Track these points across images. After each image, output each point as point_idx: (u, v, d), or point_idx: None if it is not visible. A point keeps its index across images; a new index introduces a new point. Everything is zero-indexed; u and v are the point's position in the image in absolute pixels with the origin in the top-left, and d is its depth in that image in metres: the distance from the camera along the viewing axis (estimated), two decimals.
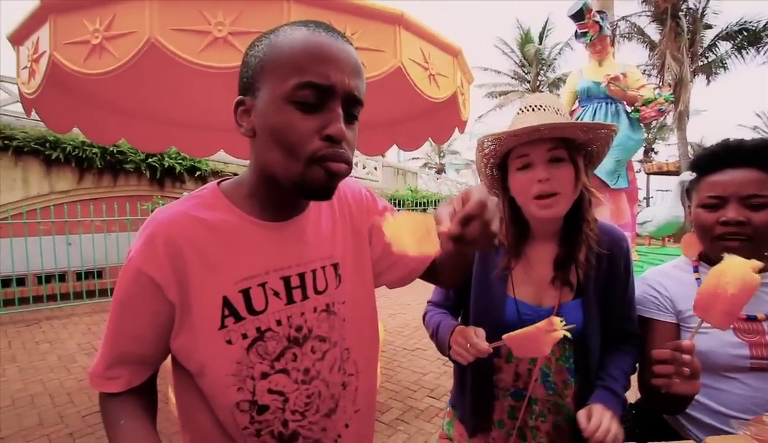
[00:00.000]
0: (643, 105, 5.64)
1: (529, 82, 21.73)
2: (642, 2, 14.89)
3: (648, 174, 16.20)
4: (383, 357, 3.10)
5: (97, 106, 2.66)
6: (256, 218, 0.64)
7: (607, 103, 5.80)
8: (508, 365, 0.93)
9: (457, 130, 2.57)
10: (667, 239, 8.26)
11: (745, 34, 14.64)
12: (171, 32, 1.49)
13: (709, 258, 0.97)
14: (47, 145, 5.66)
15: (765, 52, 14.63)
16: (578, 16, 6.03)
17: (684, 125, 14.23)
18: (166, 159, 6.73)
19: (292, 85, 0.54)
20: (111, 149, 6.13)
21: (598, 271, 0.90)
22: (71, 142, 5.79)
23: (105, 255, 5.80)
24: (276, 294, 0.64)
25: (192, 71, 1.53)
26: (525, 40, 21.49)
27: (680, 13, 13.95)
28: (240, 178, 0.67)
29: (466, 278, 0.92)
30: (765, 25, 14.24)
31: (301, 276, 0.66)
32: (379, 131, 3.17)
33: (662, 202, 9.52)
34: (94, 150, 5.99)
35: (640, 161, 20.93)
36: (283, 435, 0.64)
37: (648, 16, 15.13)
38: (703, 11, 14.59)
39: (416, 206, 9.33)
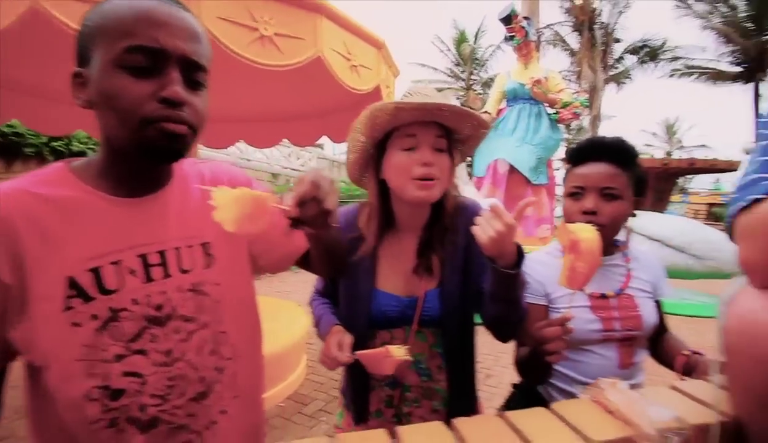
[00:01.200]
0: (561, 107, 6.12)
1: (464, 80, 22.62)
2: (564, 12, 16.15)
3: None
4: (310, 349, 3.08)
5: None
6: (109, 194, 0.61)
7: (531, 104, 6.19)
8: (398, 368, 0.93)
9: None
10: None
11: (647, 49, 16.55)
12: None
13: None
14: None
15: (661, 67, 16.66)
16: (506, 20, 6.37)
17: (597, 128, 15.74)
18: (75, 143, 6.03)
19: (120, 49, 0.54)
20: (3, 131, 5.36)
21: (458, 252, 0.92)
22: None
23: None
24: (132, 272, 0.61)
25: None
26: (461, 39, 22.30)
27: (595, 26, 15.34)
28: (91, 156, 0.64)
29: (342, 269, 0.92)
30: (661, 44, 16.23)
31: (162, 253, 0.64)
32: (308, 122, 3.11)
33: None
34: None
35: (562, 159, 22.86)
36: (141, 420, 0.60)
37: (569, 26, 16.46)
38: (613, 26, 16.20)
39: (351, 199, 9.31)
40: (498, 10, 6.55)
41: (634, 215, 1.01)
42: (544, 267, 1.04)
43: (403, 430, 0.60)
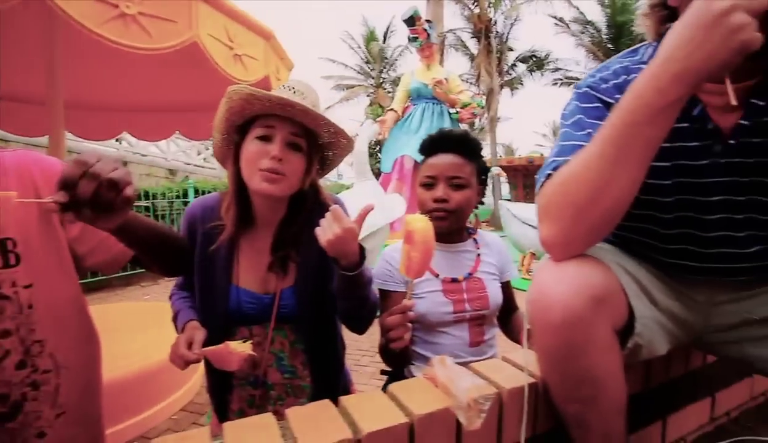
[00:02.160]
0: (461, 108, 6.55)
1: (373, 78, 22.99)
2: (465, 20, 17.30)
3: None
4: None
5: None
6: None
7: (433, 104, 6.52)
8: (245, 363, 0.91)
9: None
10: (484, 223, 9.93)
11: (534, 59, 18.52)
12: None
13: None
14: None
15: (546, 76, 18.81)
16: (409, 21, 6.60)
17: (494, 128, 17.18)
18: None
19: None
20: None
21: (315, 251, 0.89)
22: None
23: None
24: None
25: None
26: (370, 37, 22.60)
27: (491, 35, 16.69)
28: None
29: (179, 265, 0.89)
30: (546, 56, 18.30)
31: None
32: (200, 114, 2.90)
33: None
34: None
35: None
36: None
37: (469, 32, 17.69)
38: (507, 36, 17.81)
39: None
40: (403, 11, 6.78)
41: (482, 203, 1.13)
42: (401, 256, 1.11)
43: (229, 426, 0.59)
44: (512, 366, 0.79)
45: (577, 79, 17.87)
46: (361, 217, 0.80)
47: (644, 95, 0.58)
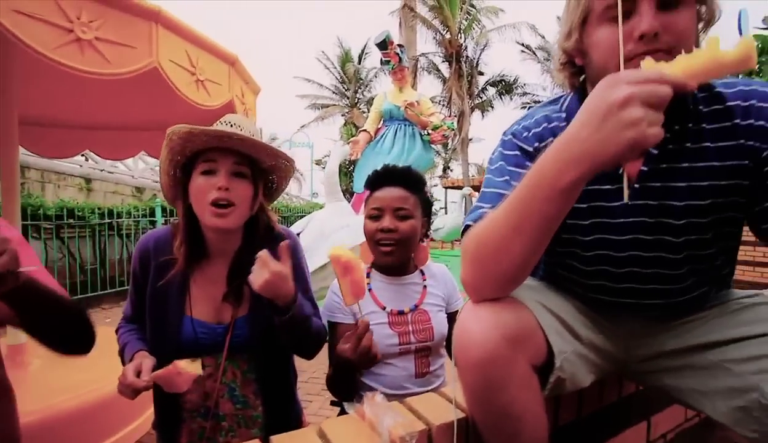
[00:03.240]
0: (432, 130, 6.70)
1: (348, 98, 23.30)
2: (436, 44, 17.89)
3: (445, 187, 19.42)
4: None
5: None
6: None
7: (405, 125, 6.66)
8: (195, 384, 0.90)
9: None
10: (455, 243, 10.06)
11: (503, 83, 19.28)
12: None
13: (377, 264, 1.19)
14: None
15: (514, 100, 19.56)
16: (382, 45, 6.78)
17: (466, 149, 17.64)
18: None
19: None
20: None
21: None
22: None
23: None
24: None
25: None
26: (345, 58, 22.99)
27: (462, 59, 17.31)
28: None
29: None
30: (514, 80, 19.09)
31: None
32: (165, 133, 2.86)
33: (450, 212, 11.60)
34: None
35: (440, 177, 24.99)
36: None
37: (441, 56, 18.28)
38: (477, 60, 18.51)
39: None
40: (376, 34, 6.96)
41: (427, 235, 1.17)
42: None
43: None
44: (445, 399, 0.80)
45: None
46: (286, 257, 0.83)
47: (546, 174, 0.58)
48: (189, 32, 1.66)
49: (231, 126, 0.90)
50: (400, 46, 7.02)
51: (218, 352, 0.91)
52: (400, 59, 6.72)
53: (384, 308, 1.10)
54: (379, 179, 1.15)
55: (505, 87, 19.22)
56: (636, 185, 0.73)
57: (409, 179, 1.14)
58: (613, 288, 0.80)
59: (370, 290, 1.13)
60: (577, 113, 0.56)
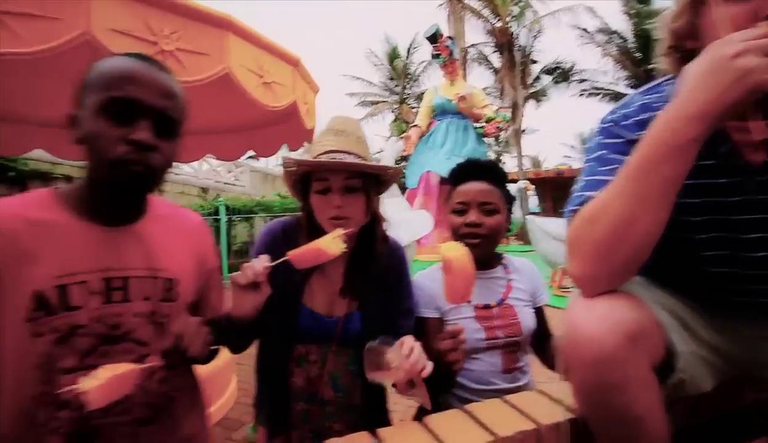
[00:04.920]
0: (486, 122, 6.52)
1: (397, 94, 23.31)
2: (486, 34, 17.37)
3: None
4: (241, 369, 2.94)
5: None
6: (86, 220, 0.70)
7: (458, 119, 6.54)
8: (300, 369, 0.97)
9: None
10: (511, 237, 9.75)
11: (559, 71, 18.30)
12: None
13: None
14: None
15: (572, 87, 18.49)
16: (432, 39, 6.70)
17: (519, 141, 17.02)
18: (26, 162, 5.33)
19: (103, 99, 0.66)
20: None
21: (380, 281, 0.99)
22: None
23: None
24: (95, 293, 0.68)
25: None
26: (393, 54, 23.01)
27: (514, 48, 16.68)
28: (76, 182, 0.74)
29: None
30: (571, 67, 18.06)
31: (125, 279, 0.72)
32: (231, 136, 3.01)
33: None
34: None
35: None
36: (83, 431, 0.67)
37: (491, 46, 17.73)
38: (530, 48, 17.74)
39: (285, 211, 9.12)
40: (425, 28, 6.89)
41: (509, 229, 1.12)
42: (432, 283, 1.13)
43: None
44: (549, 399, 0.76)
45: (605, 89, 17.52)
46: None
47: (661, 135, 0.58)
48: (256, 37, 1.73)
49: (335, 134, 0.95)
50: (450, 38, 6.88)
51: (325, 342, 0.97)
52: (451, 52, 6.60)
53: (470, 302, 1.08)
54: (463, 173, 1.13)
55: (562, 74, 18.23)
56: (763, 177, 0.65)
57: (494, 173, 1.12)
58: (741, 289, 0.72)
59: None
60: (686, 75, 0.57)
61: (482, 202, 1.07)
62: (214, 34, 1.54)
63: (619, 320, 0.59)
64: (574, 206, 0.70)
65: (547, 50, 22.36)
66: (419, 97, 22.82)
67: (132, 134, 0.66)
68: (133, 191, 0.72)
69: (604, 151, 0.73)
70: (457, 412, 0.74)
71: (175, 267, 0.79)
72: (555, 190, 11.74)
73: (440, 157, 6.55)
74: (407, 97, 22.84)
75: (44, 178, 6.15)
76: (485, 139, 7.27)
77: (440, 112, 6.77)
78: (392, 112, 22.66)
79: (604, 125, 0.76)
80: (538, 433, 0.66)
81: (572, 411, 0.70)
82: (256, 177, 12.17)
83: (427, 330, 1.07)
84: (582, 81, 18.24)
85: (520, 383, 1.08)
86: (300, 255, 0.82)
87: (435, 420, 0.71)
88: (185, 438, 0.82)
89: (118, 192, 0.70)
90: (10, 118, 2.69)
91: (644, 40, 15.79)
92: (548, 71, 18.59)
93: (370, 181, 0.96)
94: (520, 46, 17.18)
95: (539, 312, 1.17)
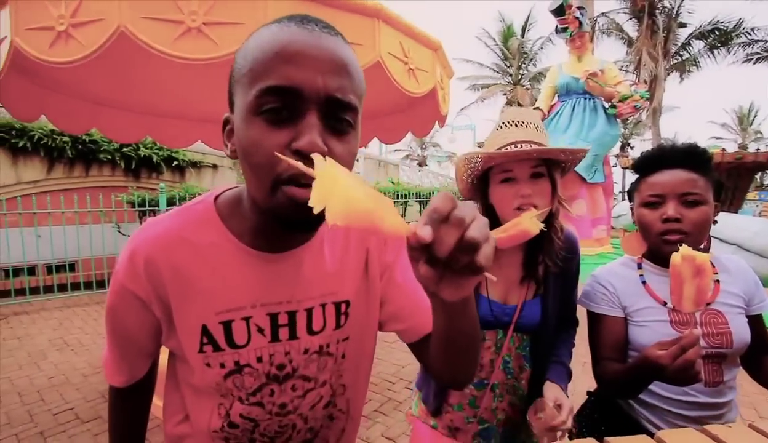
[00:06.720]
0: (619, 101, 5.75)
1: (511, 75, 21.93)
2: None
3: (624, 168, 16.64)
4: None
5: (66, 93, 2.54)
6: (248, 246, 0.58)
7: (585, 99, 5.90)
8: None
9: (437, 123, 2.57)
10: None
11: (717, 33, 15.13)
12: (142, 20, 1.44)
13: (653, 255, 1.01)
14: (13, 133, 5.41)
15: (734, 52, 15.15)
16: (559, 11, 6.10)
17: (657, 121, 14.66)
18: (142, 149, 6.52)
19: (255, 94, 0.47)
20: (83, 138, 5.90)
21: (557, 271, 0.99)
22: (40, 130, 5.54)
23: (78, 248, 5.61)
24: (260, 330, 0.60)
25: (166, 61, 1.49)
26: (508, 33, 21.64)
27: (656, 11, 14.27)
28: (238, 195, 0.61)
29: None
30: (735, 25, 14.74)
31: (291, 314, 0.62)
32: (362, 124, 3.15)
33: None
34: (65, 139, 5.75)
35: (616, 156, 21.45)
36: None
37: (626, 13, 15.44)
38: (678, 10, 14.98)
39: (398, 198, 9.33)
40: (547, 2, 6.29)
41: (715, 222, 0.93)
42: (618, 280, 1.03)
43: None
44: (761, 435, 0.62)
45: None
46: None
47: None
48: (402, 23, 1.75)
49: (515, 125, 0.94)
50: (580, 8, 6.16)
51: (499, 328, 1.01)
52: (581, 24, 5.93)
53: (665, 304, 0.94)
54: (653, 161, 0.98)
55: (721, 37, 15.04)
56: None
57: (695, 157, 0.94)
58: None
59: (644, 283, 0.99)
60: None
61: (683, 193, 0.91)
62: (366, 23, 1.60)
63: None
64: None
65: (700, 10, 18.45)
66: (535, 78, 21.17)
67: (297, 140, 0.46)
68: (299, 226, 0.50)
69: None
70: (690, 431, 0.65)
71: (347, 286, 0.65)
72: (732, 179, 8.14)
73: (564, 142, 5.99)
74: (521, 78, 21.37)
75: (196, 165, 7.28)
76: (618, 121, 6.43)
77: (564, 92, 6.18)
78: (504, 95, 21.43)
79: None
80: None
81: None
82: (370, 164, 12.69)
83: (604, 329, 1.02)
84: (750, 43, 14.83)
85: (726, 399, 0.92)
86: (507, 238, 0.84)
87: (669, 435, 0.63)
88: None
89: (282, 224, 0.51)
90: (181, 116, 3.19)
91: None
92: (701, 35, 15.51)
93: (555, 167, 0.95)
94: (663, 7, 14.63)
95: (756, 320, 0.97)
